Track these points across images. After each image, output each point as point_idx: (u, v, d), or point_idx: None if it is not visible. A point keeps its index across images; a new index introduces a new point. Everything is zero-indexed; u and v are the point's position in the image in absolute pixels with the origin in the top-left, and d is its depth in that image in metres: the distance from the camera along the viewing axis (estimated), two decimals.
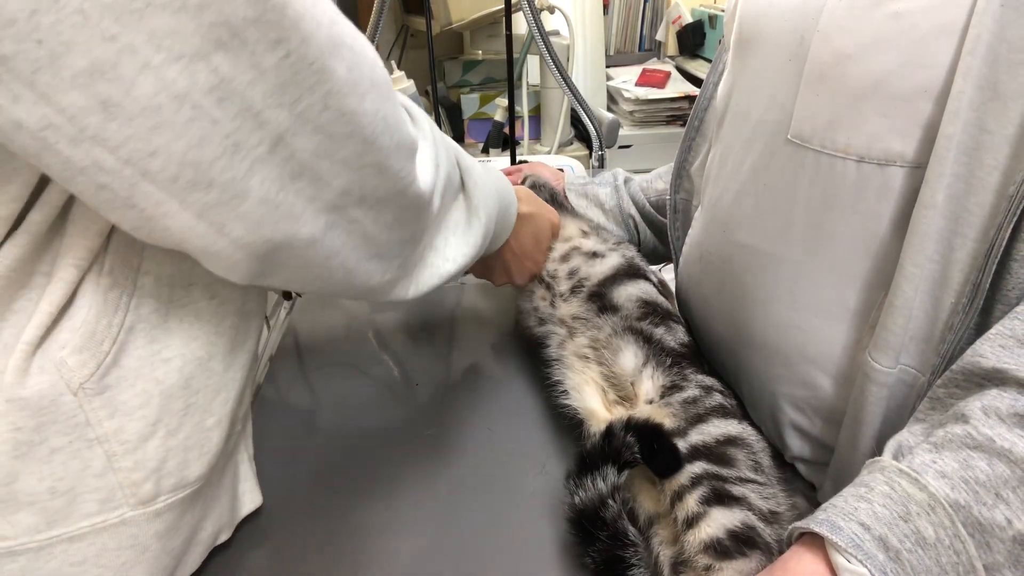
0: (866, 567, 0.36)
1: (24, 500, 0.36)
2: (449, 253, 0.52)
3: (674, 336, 0.63)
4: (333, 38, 0.33)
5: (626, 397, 0.59)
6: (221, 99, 0.30)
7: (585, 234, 0.76)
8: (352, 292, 0.45)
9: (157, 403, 0.40)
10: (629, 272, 0.69)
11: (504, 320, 0.87)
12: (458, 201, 0.54)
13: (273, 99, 0.32)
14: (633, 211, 0.83)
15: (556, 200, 0.81)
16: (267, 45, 0.30)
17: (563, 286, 0.69)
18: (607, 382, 0.61)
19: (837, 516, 0.39)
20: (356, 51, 0.35)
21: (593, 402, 0.60)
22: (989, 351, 0.40)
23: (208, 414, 0.43)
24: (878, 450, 0.44)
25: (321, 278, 0.41)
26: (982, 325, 0.43)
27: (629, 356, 0.61)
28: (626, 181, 0.85)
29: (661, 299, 0.68)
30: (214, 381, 0.43)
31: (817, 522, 0.39)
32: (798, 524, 0.41)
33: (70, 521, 0.37)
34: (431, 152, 0.46)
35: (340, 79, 0.34)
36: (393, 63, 1.72)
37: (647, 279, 0.70)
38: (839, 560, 0.37)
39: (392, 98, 0.39)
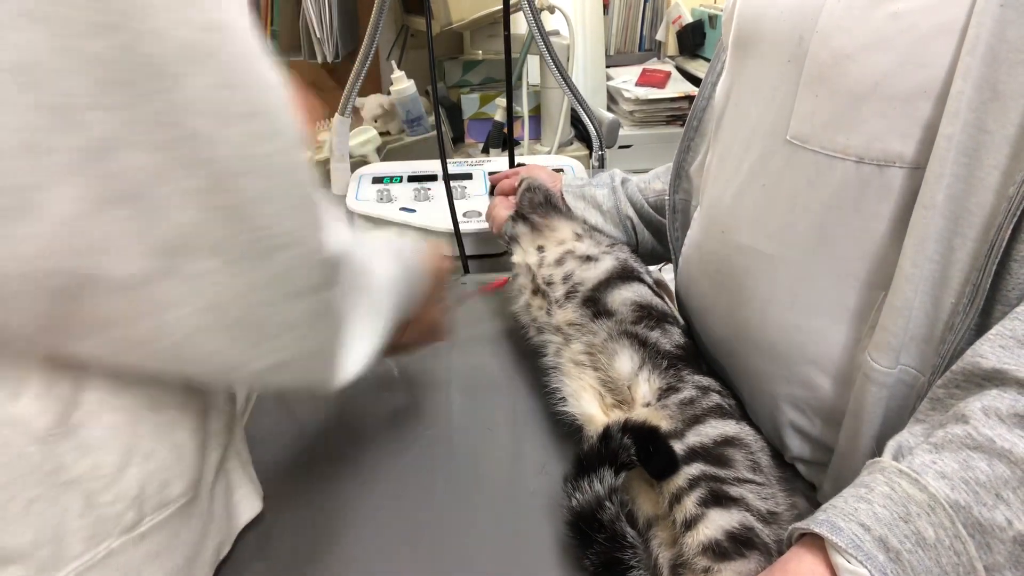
0: (866, 568, 0.36)
1: (7, 556, 0.34)
2: (348, 353, 0.44)
3: (669, 338, 0.63)
4: (201, 45, 0.27)
5: (623, 401, 0.59)
6: (22, 82, 0.24)
7: (579, 237, 0.76)
8: (193, 367, 0.37)
9: (127, 431, 0.37)
10: (623, 275, 0.69)
11: (504, 320, 0.87)
12: (360, 296, 0.46)
13: (99, 97, 0.26)
14: (631, 212, 0.83)
15: (552, 202, 0.81)
16: (95, 28, 0.25)
17: (558, 291, 0.69)
18: (604, 387, 0.61)
19: (837, 517, 0.38)
20: (239, 73, 0.29)
21: (591, 407, 0.59)
22: (989, 351, 0.40)
23: (179, 429, 0.41)
24: (878, 450, 0.44)
25: (144, 339, 0.33)
26: (982, 325, 0.43)
27: (625, 360, 0.61)
28: (623, 182, 0.85)
29: (656, 300, 0.67)
30: (177, 396, 0.41)
31: (817, 523, 0.39)
32: (798, 525, 0.41)
33: (59, 565, 0.36)
34: (334, 231, 0.39)
35: (194, 93, 0.28)
36: (393, 63, 1.72)
37: (641, 280, 0.69)
38: (839, 561, 0.37)
39: (284, 142, 0.32)
